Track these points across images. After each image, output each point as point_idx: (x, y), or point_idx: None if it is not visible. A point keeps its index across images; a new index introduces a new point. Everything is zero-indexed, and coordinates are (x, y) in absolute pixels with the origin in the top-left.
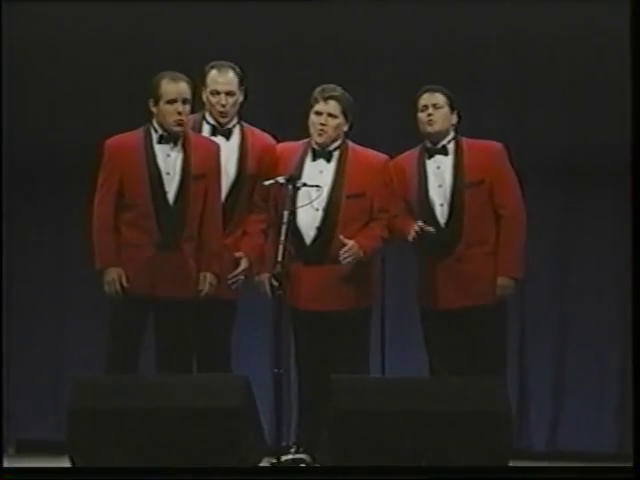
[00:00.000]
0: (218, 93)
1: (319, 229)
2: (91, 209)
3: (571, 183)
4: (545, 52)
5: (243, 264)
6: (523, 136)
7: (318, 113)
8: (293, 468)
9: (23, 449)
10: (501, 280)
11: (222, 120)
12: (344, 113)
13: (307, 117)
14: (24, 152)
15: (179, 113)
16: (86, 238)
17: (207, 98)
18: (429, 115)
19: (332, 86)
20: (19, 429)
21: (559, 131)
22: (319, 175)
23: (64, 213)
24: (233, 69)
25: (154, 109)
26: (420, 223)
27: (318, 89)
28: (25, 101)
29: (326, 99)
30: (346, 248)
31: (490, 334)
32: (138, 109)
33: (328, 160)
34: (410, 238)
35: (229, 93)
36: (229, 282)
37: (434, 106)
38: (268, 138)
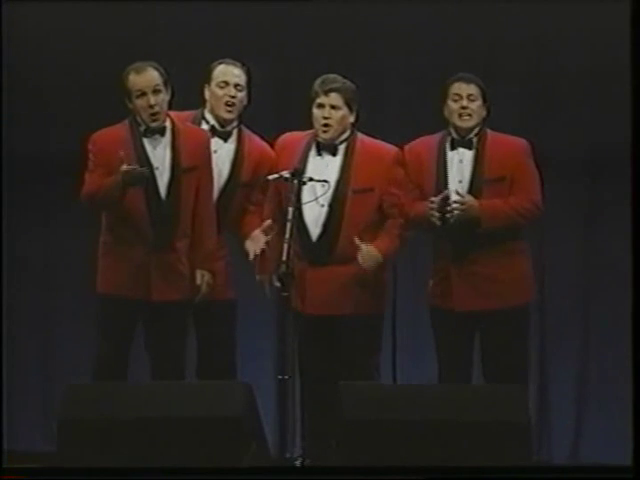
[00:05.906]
0: (227, 84)
1: (324, 226)
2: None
3: (596, 185)
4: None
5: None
6: (548, 135)
7: (320, 106)
8: (293, 468)
9: (12, 461)
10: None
11: (228, 115)
12: (347, 104)
13: (310, 112)
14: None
15: (151, 106)
16: (73, 241)
17: (212, 92)
18: (463, 108)
19: (332, 77)
20: (9, 441)
21: (586, 131)
22: (325, 169)
23: (51, 215)
24: (242, 67)
25: (130, 105)
26: (433, 200)
27: (318, 81)
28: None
29: (327, 92)
30: (363, 253)
31: (508, 340)
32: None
33: (334, 154)
34: (437, 222)
35: (238, 86)
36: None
37: (469, 97)
38: (266, 147)
